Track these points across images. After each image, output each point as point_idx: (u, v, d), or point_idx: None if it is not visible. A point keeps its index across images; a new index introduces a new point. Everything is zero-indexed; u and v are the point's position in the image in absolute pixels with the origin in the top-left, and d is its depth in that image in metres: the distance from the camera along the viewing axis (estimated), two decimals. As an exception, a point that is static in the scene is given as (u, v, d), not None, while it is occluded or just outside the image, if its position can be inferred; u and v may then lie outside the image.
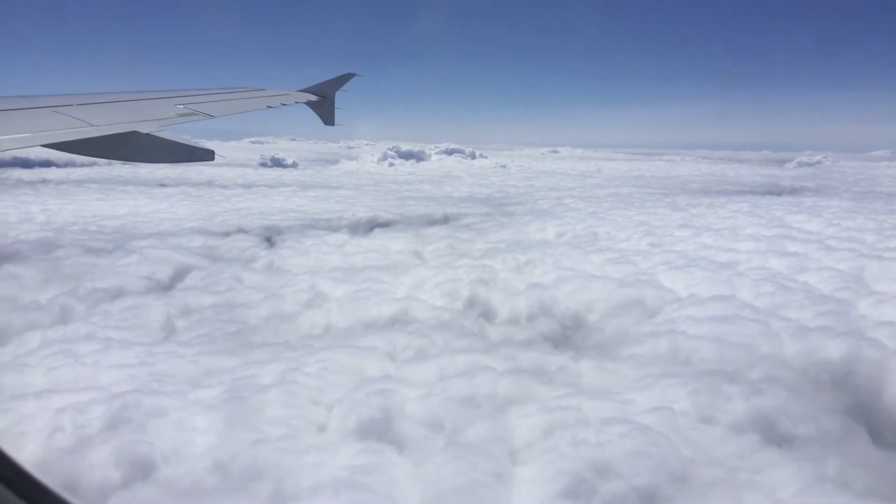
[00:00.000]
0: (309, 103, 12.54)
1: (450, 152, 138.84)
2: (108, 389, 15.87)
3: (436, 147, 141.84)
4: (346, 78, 13.50)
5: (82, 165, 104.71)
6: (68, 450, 12.99)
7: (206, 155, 7.13)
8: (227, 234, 43.46)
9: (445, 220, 54.93)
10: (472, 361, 18.25)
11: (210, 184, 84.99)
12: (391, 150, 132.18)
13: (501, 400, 16.41)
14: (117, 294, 27.79)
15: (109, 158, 6.76)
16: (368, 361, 18.89)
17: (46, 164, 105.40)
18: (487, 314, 24.22)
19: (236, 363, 19.19)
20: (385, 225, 50.76)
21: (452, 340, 20.73)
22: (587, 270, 29.23)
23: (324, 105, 12.89)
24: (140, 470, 12.56)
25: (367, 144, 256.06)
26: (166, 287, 30.54)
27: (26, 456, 12.68)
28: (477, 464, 13.41)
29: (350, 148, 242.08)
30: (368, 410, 15.39)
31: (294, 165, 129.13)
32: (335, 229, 47.37)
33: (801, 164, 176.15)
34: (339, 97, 13.37)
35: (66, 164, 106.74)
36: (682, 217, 49.11)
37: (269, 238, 43.14)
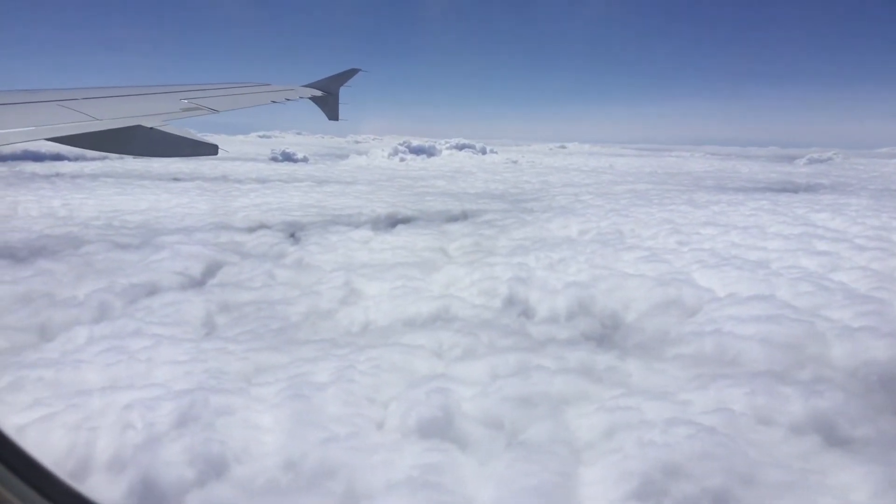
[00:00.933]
0: (313, 98, 12.59)
1: (460, 147, 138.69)
2: (167, 386, 15.96)
3: (446, 142, 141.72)
4: (350, 73, 13.52)
5: (93, 159, 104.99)
6: (141, 447, 13.09)
7: (210, 149, 7.16)
8: (251, 229, 43.56)
9: (464, 216, 54.94)
10: (523, 360, 18.30)
11: (224, 178, 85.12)
12: (402, 145, 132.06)
13: (556, 399, 16.47)
14: (153, 290, 27.93)
15: (114, 152, 6.83)
16: (417, 360, 18.95)
17: (58, 157, 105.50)
18: (527, 312, 24.25)
19: (286, 360, 19.29)
20: (405, 221, 50.75)
21: (497, 339, 20.77)
22: (621, 269, 29.22)
23: (328, 100, 12.93)
24: (214, 468, 12.65)
25: (374, 139, 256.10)
26: (199, 283, 30.67)
27: (100, 452, 12.82)
28: (543, 464, 13.48)
29: (357, 143, 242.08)
30: (427, 409, 15.46)
31: (304, 160, 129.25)
32: (357, 225, 47.44)
33: (811, 161, 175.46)
34: (345, 92, 13.39)
35: (76, 158, 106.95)
36: (705, 215, 48.98)
37: (293, 234, 43.24)
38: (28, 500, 1.80)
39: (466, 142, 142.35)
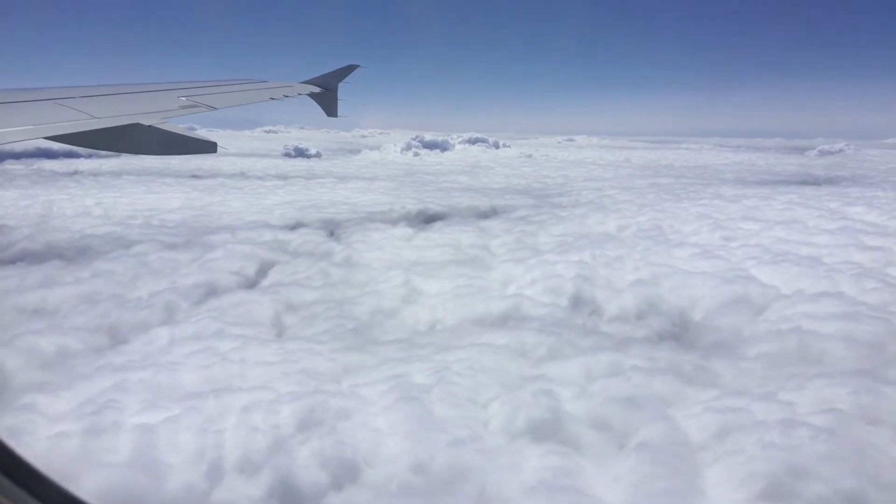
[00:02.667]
0: (312, 95, 12.56)
1: (473, 142, 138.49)
2: (273, 388, 16.08)
3: (458, 136, 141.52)
4: (349, 69, 13.47)
5: (108, 157, 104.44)
6: (272, 450, 13.20)
7: (209, 147, 7.13)
8: (290, 227, 43.63)
9: (494, 212, 54.97)
10: (615, 361, 18.37)
11: (243, 175, 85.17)
12: (414, 139, 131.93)
13: (657, 400, 16.56)
14: (214, 290, 28.05)
15: (112, 151, 6.80)
16: (505, 360, 19.04)
17: (71, 154, 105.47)
18: (597, 311, 24.32)
19: (372, 361, 19.42)
20: (438, 218, 50.76)
21: (577, 339, 20.86)
22: (678, 266, 29.26)
23: (326, 97, 12.91)
24: (348, 472, 12.77)
25: (380, 133, 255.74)
26: (257, 282, 30.83)
27: (231, 454, 12.93)
28: (664, 466, 13.58)
29: (364, 137, 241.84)
30: (535, 411, 15.57)
31: (318, 155, 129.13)
32: (393, 222, 47.51)
33: (822, 153, 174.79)
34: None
35: (90, 155, 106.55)
36: (740, 209, 48.90)
37: (332, 231, 43.33)
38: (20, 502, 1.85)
39: (479, 136, 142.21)
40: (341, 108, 13.18)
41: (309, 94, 12.37)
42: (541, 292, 25.92)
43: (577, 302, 24.89)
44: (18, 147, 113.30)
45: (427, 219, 50.27)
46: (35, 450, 12.80)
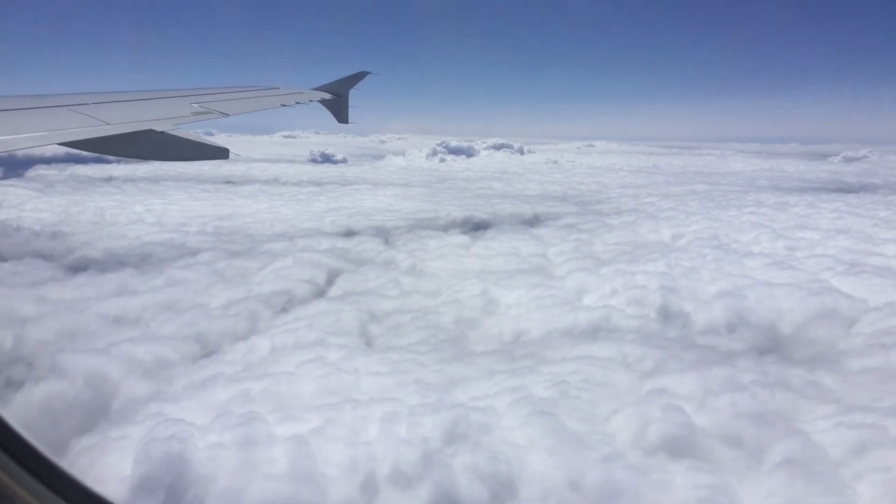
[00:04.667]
0: (323, 101, 12.56)
1: (498, 147, 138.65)
2: (400, 399, 16.14)
3: (483, 142, 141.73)
4: (359, 76, 13.45)
5: (139, 162, 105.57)
6: (424, 463, 13.25)
7: (221, 153, 7.12)
8: (344, 234, 43.88)
9: (538, 219, 54.98)
10: (729, 375, 18.31)
11: (276, 181, 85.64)
12: (440, 145, 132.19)
13: (782, 414, 16.48)
14: (293, 299, 28.27)
15: (125, 156, 6.88)
16: (614, 373, 19.01)
17: (100, 160, 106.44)
18: (687, 323, 24.24)
19: (476, 372, 19.48)
20: (484, 225, 50.88)
21: (679, 351, 20.80)
22: (754, 276, 29.11)
23: (338, 103, 12.89)
24: (505, 487, 12.80)
25: (398, 138, 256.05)
26: (324, 291, 31.01)
27: (384, 466, 12.98)
28: (813, 482, 13.49)
29: (382, 142, 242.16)
30: (665, 426, 15.53)
31: (344, 161, 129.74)
32: (444, 229, 47.69)
33: (847, 160, 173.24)
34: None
35: (120, 160, 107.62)
36: (791, 217, 48.61)
37: (386, 239, 43.47)
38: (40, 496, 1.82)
39: (504, 141, 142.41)
40: (354, 113, 13.21)
41: (320, 101, 12.44)
42: (625, 303, 25.86)
43: (667, 314, 24.81)
44: (48, 152, 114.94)
45: (474, 226, 50.37)
46: (195, 461, 12.94)
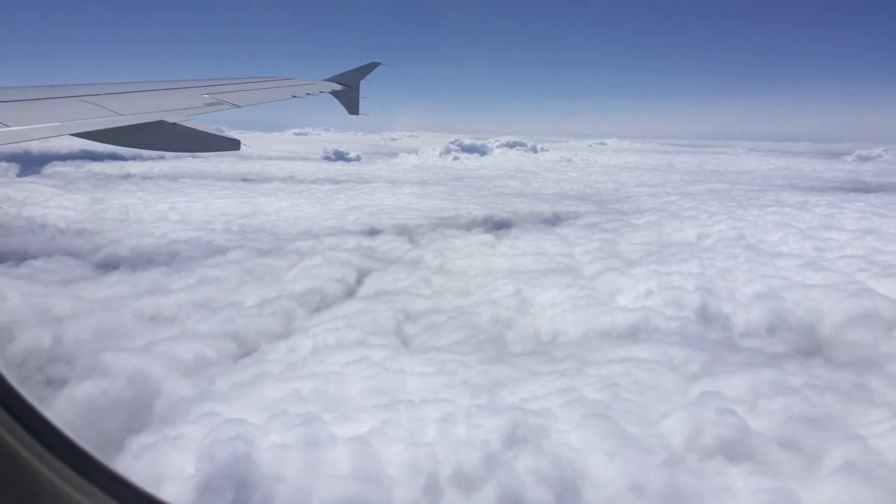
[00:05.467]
0: (334, 92, 12.50)
1: (511, 145, 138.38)
2: (452, 400, 16.16)
3: (496, 140, 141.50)
4: (370, 67, 13.37)
5: (150, 159, 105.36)
6: (487, 465, 13.27)
7: (233, 144, 7.09)
8: (368, 233, 43.94)
9: (558, 218, 54.89)
10: (778, 378, 18.22)
11: (293, 179, 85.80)
12: (453, 143, 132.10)
13: (836, 418, 16.39)
14: (326, 297, 28.33)
15: (137, 147, 6.76)
16: (659, 375, 18.96)
17: (115, 156, 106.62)
18: (727, 325, 24.13)
19: (520, 374, 19.50)
20: (506, 224, 50.84)
21: (723, 353, 20.73)
22: (790, 278, 28.95)
23: (348, 94, 12.85)
24: (570, 492, 12.79)
25: (409, 136, 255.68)
26: (354, 290, 31.06)
27: (445, 467, 13.00)
28: (879, 488, 13.42)
29: (393, 140, 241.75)
30: (719, 429, 15.48)
31: (358, 159, 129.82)
32: (467, 228, 47.74)
33: (861, 158, 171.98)
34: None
35: (134, 157, 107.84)
36: (815, 217, 48.30)
37: (410, 238, 43.48)
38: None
39: (517, 140, 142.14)
40: (365, 104, 13.18)
41: (331, 92, 12.39)
42: (662, 304, 25.78)
43: (705, 315, 24.70)
44: (63, 148, 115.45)
45: (495, 225, 50.33)
46: (262, 462, 13.01)
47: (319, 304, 27.31)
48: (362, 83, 13.09)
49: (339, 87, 12.62)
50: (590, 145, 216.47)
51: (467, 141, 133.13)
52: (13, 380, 1.80)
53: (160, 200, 57.11)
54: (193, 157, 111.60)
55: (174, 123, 6.56)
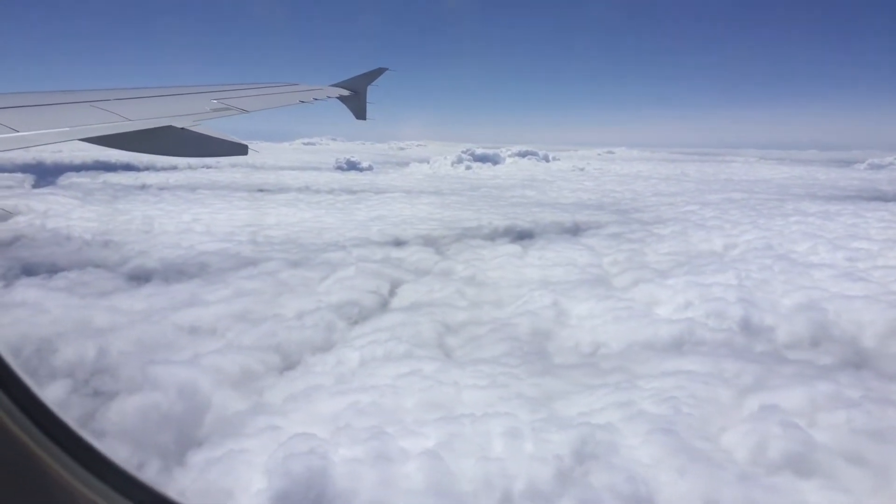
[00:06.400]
0: (341, 98, 12.52)
1: (523, 155, 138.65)
2: (515, 415, 16.12)
3: (508, 149, 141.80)
4: (377, 73, 13.36)
5: (163, 169, 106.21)
6: (560, 481, 13.23)
7: (240, 149, 7.10)
8: (394, 244, 44.03)
9: (579, 228, 54.88)
10: (834, 391, 18.11)
11: (308, 189, 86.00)
12: (465, 153, 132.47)
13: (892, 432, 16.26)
14: (365, 309, 28.36)
15: (145, 152, 6.85)
16: (715, 388, 18.87)
17: (128, 167, 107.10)
18: (772, 337, 24.03)
19: (571, 387, 19.46)
20: (528, 234, 50.86)
21: (775, 365, 20.62)
22: (828, 289, 28.83)
23: (356, 99, 12.86)
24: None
25: (417, 145, 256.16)
26: (388, 302, 31.09)
27: (518, 482, 12.96)
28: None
29: (402, 149, 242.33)
30: (784, 443, 15.39)
31: (370, 168, 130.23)
32: (490, 238, 47.79)
33: (873, 166, 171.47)
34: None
35: (146, 168, 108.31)
36: (840, 227, 48.13)
37: (437, 248, 43.50)
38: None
39: (529, 149, 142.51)
40: (371, 110, 13.24)
41: (338, 98, 12.43)
42: (704, 316, 25.70)
43: (749, 327, 24.60)
44: (76, 159, 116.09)
45: (518, 235, 50.33)
46: (334, 476, 13.01)
47: (358, 315, 27.34)
48: (369, 88, 13.20)
49: (346, 93, 12.69)
50: (599, 154, 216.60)
51: (479, 150, 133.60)
52: (27, 377, 1.78)
53: (182, 211, 57.36)
54: (208, 169, 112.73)
55: (182, 128, 6.64)
